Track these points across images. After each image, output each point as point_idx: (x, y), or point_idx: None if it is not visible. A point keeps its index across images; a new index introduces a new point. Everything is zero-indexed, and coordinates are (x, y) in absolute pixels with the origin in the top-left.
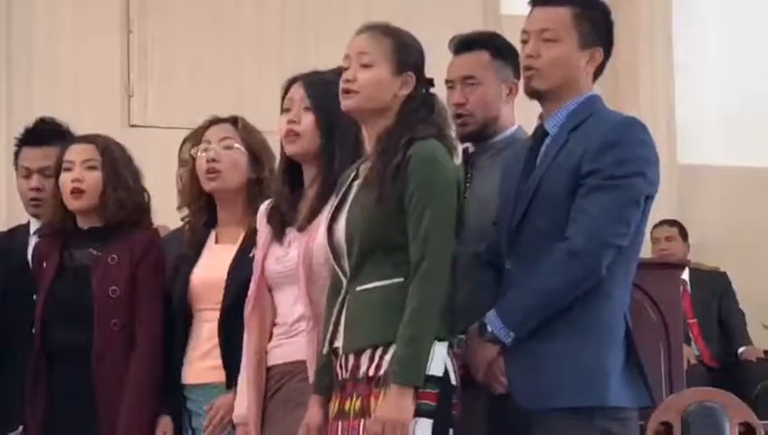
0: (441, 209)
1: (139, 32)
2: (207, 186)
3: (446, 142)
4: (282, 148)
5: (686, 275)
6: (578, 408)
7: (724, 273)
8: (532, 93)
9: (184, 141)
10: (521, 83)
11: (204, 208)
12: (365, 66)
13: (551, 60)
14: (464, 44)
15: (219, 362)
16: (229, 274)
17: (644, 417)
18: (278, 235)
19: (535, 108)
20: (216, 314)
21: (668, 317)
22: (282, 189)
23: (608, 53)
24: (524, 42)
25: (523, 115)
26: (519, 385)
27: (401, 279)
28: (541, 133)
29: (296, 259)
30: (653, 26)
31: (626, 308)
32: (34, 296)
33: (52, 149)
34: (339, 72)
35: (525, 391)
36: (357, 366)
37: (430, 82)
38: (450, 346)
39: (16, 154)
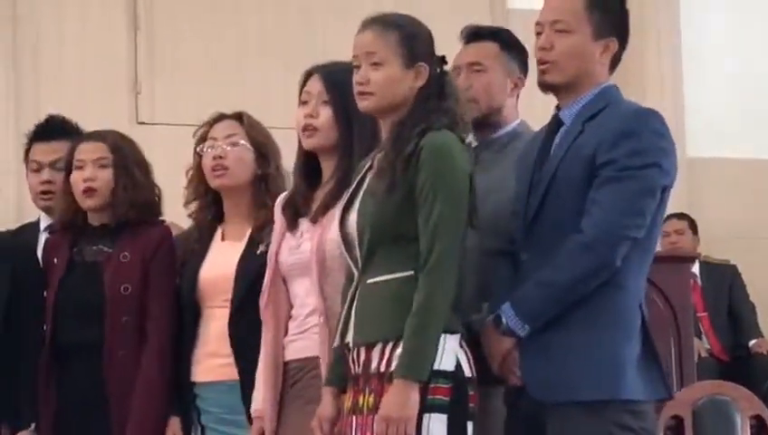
0: (452, 200)
1: (147, 29)
2: (214, 182)
3: (459, 130)
4: (299, 141)
5: (696, 268)
6: (593, 401)
7: (735, 266)
8: (547, 87)
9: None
10: (528, 79)
11: (210, 205)
12: (375, 65)
13: (564, 51)
14: (474, 34)
15: (228, 359)
16: (237, 270)
17: (657, 410)
18: (291, 225)
19: (540, 103)
20: (225, 312)
21: (679, 311)
22: (299, 183)
23: (623, 43)
24: (538, 34)
25: (527, 110)
26: (533, 377)
27: (411, 272)
28: (555, 123)
29: (308, 251)
30: (660, 17)
31: (641, 299)
32: (45, 293)
33: (61, 143)
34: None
35: (540, 384)
36: (368, 361)
37: (443, 60)
38: (463, 338)
39: (26, 152)
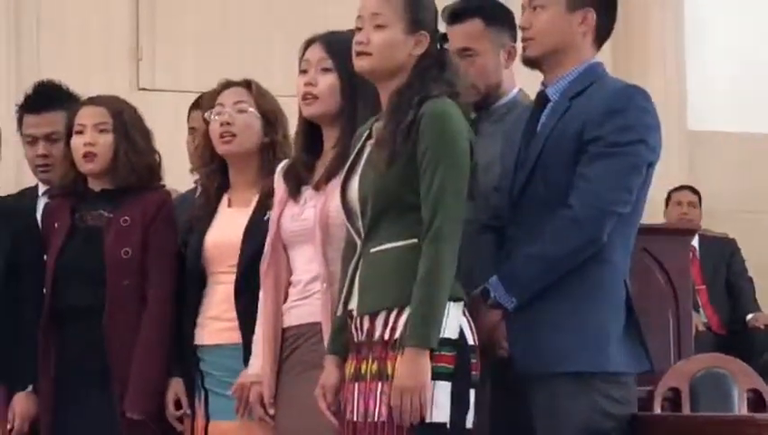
0: (453, 167)
1: None
2: (221, 149)
3: (460, 100)
4: (299, 110)
5: (695, 241)
6: (578, 373)
7: (733, 239)
8: (529, 62)
9: (191, 109)
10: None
11: (216, 172)
12: (378, 27)
13: (540, 28)
14: (455, 15)
15: (232, 323)
16: (244, 236)
17: (652, 382)
18: (293, 193)
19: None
20: (230, 277)
21: (677, 283)
22: (299, 152)
23: (606, 15)
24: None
25: (524, 78)
26: (520, 350)
27: (415, 240)
28: (542, 100)
29: (312, 218)
30: None
31: (626, 274)
32: (45, 257)
33: (54, 114)
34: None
35: (526, 356)
36: (372, 329)
37: (444, 38)
38: (465, 305)
39: (19, 120)
